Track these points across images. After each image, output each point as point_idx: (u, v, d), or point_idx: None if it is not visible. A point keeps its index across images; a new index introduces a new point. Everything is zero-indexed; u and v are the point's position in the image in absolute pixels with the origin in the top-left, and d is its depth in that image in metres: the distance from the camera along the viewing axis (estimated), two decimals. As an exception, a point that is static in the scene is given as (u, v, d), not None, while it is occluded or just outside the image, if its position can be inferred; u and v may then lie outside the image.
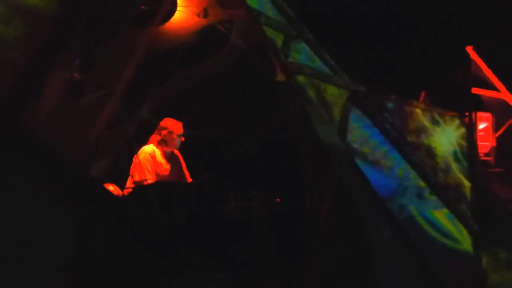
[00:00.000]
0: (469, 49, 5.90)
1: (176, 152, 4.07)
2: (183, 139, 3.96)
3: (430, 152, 4.98)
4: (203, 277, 2.30)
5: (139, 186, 3.22)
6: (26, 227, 1.99)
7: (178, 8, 3.88)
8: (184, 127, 4.03)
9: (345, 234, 3.40)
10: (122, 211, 2.23)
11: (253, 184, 3.49)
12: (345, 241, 3.35)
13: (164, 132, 3.93)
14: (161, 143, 3.94)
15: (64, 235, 2.07)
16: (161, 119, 4.11)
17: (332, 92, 4.33)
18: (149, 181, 3.64)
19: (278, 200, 3.39)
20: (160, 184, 3.51)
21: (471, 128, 5.52)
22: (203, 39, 4.07)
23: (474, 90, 6.02)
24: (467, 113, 5.58)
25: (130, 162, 3.92)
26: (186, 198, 3.02)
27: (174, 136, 3.91)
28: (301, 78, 4.09)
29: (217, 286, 2.33)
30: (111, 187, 3.62)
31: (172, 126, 3.94)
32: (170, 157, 4.01)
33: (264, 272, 2.72)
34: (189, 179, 4.03)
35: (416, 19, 5.90)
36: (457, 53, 5.79)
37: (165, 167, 3.94)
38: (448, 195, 4.71)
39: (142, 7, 3.78)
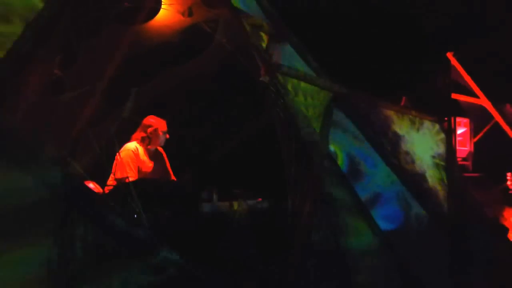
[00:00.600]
0: (449, 55, 6.03)
1: (160, 149, 4.05)
2: (167, 136, 3.95)
3: (409, 156, 5.05)
4: (184, 275, 2.28)
5: (120, 184, 3.19)
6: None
7: (162, 6, 3.86)
8: (168, 125, 4.01)
9: (325, 234, 3.42)
10: (102, 208, 2.20)
11: (235, 183, 3.49)
12: (324, 242, 3.36)
13: (149, 130, 3.91)
14: (145, 141, 3.92)
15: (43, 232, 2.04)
16: (144, 118, 4.08)
17: (315, 94, 4.36)
18: (131, 179, 3.60)
19: (260, 199, 3.40)
20: (142, 182, 3.48)
21: (450, 133, 5.62)
22: (187, 38, 4.05)
23: (454, 96, 6.16)
24: (446, 118, 5.68)
25: (112, 160, 3.87)
26: (168, 197, 3.00)
27: (159, 133, 3.90)
28: (284, 79, 4.11)
29: (198, 284, 2.32)
30: (91, 185, 3.56)
31: (157, 123, 3.93)
32: (153, 155, 3.98)
33: (244, 270, 2.71)
34: (173, 177, 4.01)
35: (397, 24, 6.00)
36: (437, 59, 5.91)
37: (148, 164, 3.91)
38: (426, 199, 4.79)
39: (126, 3, 3.74)
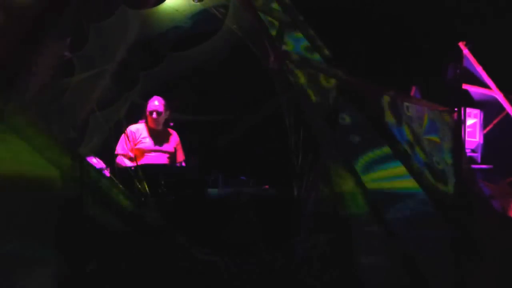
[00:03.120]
0: (461, 44, 5.94)
1: (171, 131, 4.10)
2: (155, 116, 3.96)
3: (421, 147, 5.02)
4: (189, 259, 2.32)
5: (129, 170, 3.22)
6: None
7: (172, -10, 3.84)
8: (175, 111, 4.02)
9: (331, 223, 3.44)
10: (111, 190, 2.24)
11: (242, 170, 3.51)
12: (330, 231, 3.38)
13: (150, 111, 3.98)
14: (147, 121, 4.01)
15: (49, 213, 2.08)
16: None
17: (325, 82, 4.34)
18: (122, 155, 3.74)
19: (266, 186, 3.42)
20: (150, 166, 3.52)
21: (459, 123, 5.57)
22: (197, 23, 4.04)
23: (464, 86, 6.08)
24: (456, 109, 5.63)
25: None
26: (175, 181, 3.03)
27: (150, 111, 3.95)
28: (294, 67, 4.09)
29: (202, 267, 2.36)
30: (94, 160, 3.63)
31: (158, 104, 3.98)
32: (160, 135, 4.03)
33: (248, 256, 2.75)
34: (181, 157, 4.05)
35: (408, 12, 5.92)
36: (448, 48, 5.83)
37: (148, 143, 3.97)
38: (434, 189, 4.77)
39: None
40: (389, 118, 4.80)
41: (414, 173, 4.64)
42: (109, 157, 3.93)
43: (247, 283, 2.67)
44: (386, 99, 4.82)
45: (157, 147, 3.94)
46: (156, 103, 3.97)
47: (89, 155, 3.76)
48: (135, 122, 4.09)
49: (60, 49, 4.14)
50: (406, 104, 5.08)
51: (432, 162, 5.01)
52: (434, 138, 5.37)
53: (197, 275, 2.40)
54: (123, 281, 2.21)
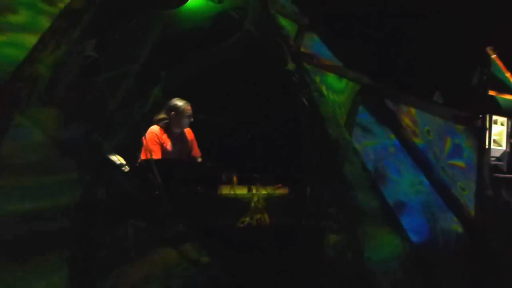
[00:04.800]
0: (489, 49, 5.80)
1: (188, 131, 4.11)
2: (192, 119, 4.00)
3: (437, 153, 4.95)
4: (198, 251, 2.37)
5: (144, 164, 3.31)
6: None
7: (193, -7, 3.94)
8: (193, 110, 4.08)
9: (343, 224, 3.44)
10: (125, 182, 2.33)
11: (256, 168, 3.55)
12: (342, 231, 3.38)
13: (173, 113, 3.96)
14: (169, 123, 3.98)
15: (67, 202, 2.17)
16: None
17: (342, 85, 4.35)
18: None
19: (280, 185, 3.44)
20: (164, 161, 3.60)
21: (483, 131, 5.45)
22: (217, 24, 4.11)
23: (492, 93, 5.93)
24: (480, 115, 5.51)
25: (139, 142, 4.00)
26: (189, 176, 3.09)
27: (182, 116, 3.94)
28: (311, 68, 4.12)
29: (212, 263, 2.40)
30: (114, 157, 3.70)
31: (181, 106, 3.98)
32: (178, 137, 4.06)
33: (259, 255, 2.78)
34: (197, 154, 4.07)
35: (435, 16, 5.83)
36: (476, 53, 5.70)
37: (171, 147, 4.00)
38: (451, 196, 4.69)
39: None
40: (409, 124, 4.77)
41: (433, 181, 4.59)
42: (130, 154, 4.01)
43: (257, 281, 2.70)
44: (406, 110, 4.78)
45: (178, 148, 3.99)
46: (190, 108, 3.96)
47: (111, 152, 3.83)
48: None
49: (87, 49, 4.30)
50: (427, 128, 5.01)
51: (456, 187, 4.91)
52: (459, 163, 5.26)
53: (208, 271, 2.45)
54: (133, 274, 2.27)
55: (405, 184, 4.32)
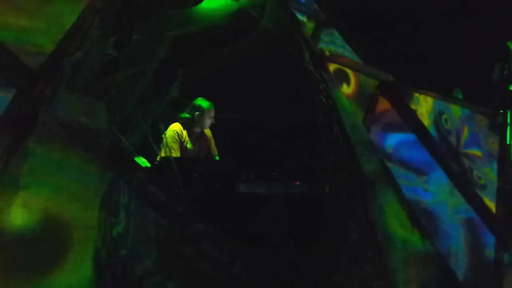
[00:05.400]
0: (510, 44, 5.68)
1: (206, 130, 4.13)
2: (209, 123, 4.03)
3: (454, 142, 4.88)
4: (217, 248, 2.39)
5: (163, 161, 3.34)
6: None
7: (211, -10, 3.94)
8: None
9: (362, 223, 3.42)
10: (145, 180, 2.36)
11: (274, 165, 3.55)
12: (361, 229, 3.37)
13: (196, 112, 3.98)
14: (191, 122, 4.00)
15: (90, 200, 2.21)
16: (191, 99, 4.18)
17: (361, 81, 4.31)
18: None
19: (297, 183, 3.44)
20: (183, 159, 3.62)
21: (504, 126, 5.36)
22: (234, 22, 4.12)
23: (512, 88, 5.81)
24: (501, 111, 5.42)
25: (158, 139, 4.04)
26: (207, 174, 3.11)
27: (206, 117, 3.96)
28: (329, 65, 4.10)
29: (229, 257, 2.42)
30: (140, 159, 3.74)
31: (206, 107, 3.99)
32: (198, 136, 4.08)
33: (276, 252, 2.79)
34: (215, 152, 4.09)
35: (455, 10, 5.73)
36: (496, 48, 5.59)
37: (191, 146, 4.03)
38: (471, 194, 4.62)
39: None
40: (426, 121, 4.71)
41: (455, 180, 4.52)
42: (149, 151, 4.05)
43: (276, 279, 2.72)
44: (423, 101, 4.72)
45: (197, 147, 4.01)
46: (213, 110, 3.99)
47: (130, 150, 3.85)
48: (173, 119, 4.18)
49: (106, 47, 4.35)
50: (445, 116, 4.94)
51: (473, 176, 4.84)
52: (475, 151, 5.18)
53: (228, 269, 2.47)
54: (155, 272, 2.31)
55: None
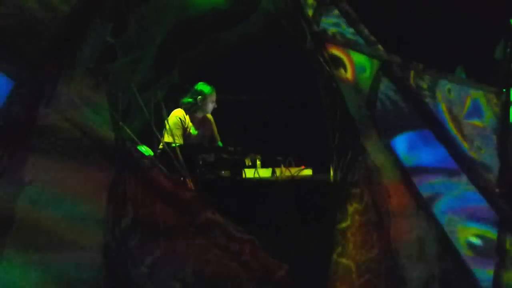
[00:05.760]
0: (512, 22, 5.60)
1: (208, 116, 4.11)
2: (215, 105, 4.00)
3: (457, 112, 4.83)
4: (225, 236, 2.38)
5: (168, 148, 3.31)
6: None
7: (209, -27, 3.85)
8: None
9: (369, 205, 3.41)
10: (151, 170, 2.33)
11: (279, 150, 3.53)
12: (367, 212, 3.36)
13: (198, 97, 3.96)
14: (193, 107, 3.98)
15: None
16: (192, 84, 4.14)
17: (363, 62, 4.25)
18: (177, 144, 3.73)
19: (303, 167, 3.42)
20: (188, 147, 3.60)
21: (507, 105, 5.32)
22: (233, 4, 4.04)
23: (517, 66, 5.75)
24: (504, 90, 5.37)
25: (160, 125, 4.00)
26: (213, 162, 3.09)
27: (208, 101, 3.94)
28: (331, 47, 4.02)
29: (237, 245, 2.41)
30: (143, 148, 3.71)
31: (208, 91, 3.96)
32: (200, 121, 4.07)
33: (284, 237, 2.79)
34: (217, 138, 4.07)
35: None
36: (499, 26, 5.52)
37: (194, 131, 4.01)
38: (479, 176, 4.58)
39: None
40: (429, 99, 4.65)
41: (457, 158, 4.48)
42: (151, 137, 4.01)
43: (282, 264, 2.71)
44: (426, 79, 4.67)
45: (200, 132, 4.00)
46: (215, 94, 3.95)
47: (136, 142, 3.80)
48: (175, 105, 4.14)
49: (103, 35, 4.27)
50: (448, 86, 4.90)
51: (473, 147, 4.81)
52: (477, 122, 5.14)
53: (238, 257, 2.46)
54: (165, 262, 2.29)
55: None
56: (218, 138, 4.12)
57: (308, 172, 3.40)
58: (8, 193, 2.06)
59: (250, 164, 3.18)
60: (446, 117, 4.71)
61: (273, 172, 3.22)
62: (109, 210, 2.13)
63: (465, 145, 4.71)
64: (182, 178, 2.61)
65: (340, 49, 4.07)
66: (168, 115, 4.03)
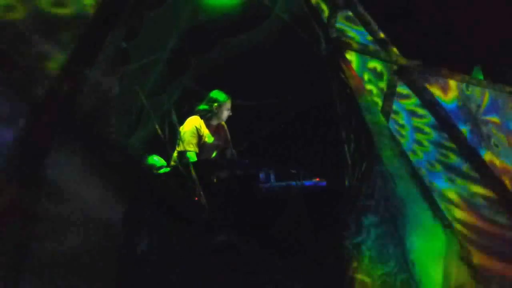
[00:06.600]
0: (533, 18, 5.45)
1: (223, 123, 4.09)
2: (230, 112, 3.98)
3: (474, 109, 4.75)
4: (241, 258, 2.37)
5: (180, 163, 3.29)
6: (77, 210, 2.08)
7: (222, -21, 3.80)
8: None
9: (384, 216, 3.36)
10: (164, 193, 2.31)
11: (292, 162, 3.49)
12: (383, 224, 3.31)
13: (213, 104, 3.93)
14: (208, 115, 3.96)
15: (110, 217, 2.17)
16: (205, 89, 4.11)
17: (379, 67, 4.18)
18: (192, 153, 3.73)
19: (317, 179, 3.38)
20: (201, 163, 3.57)
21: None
22: (247, 9, 3.98)
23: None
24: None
25: (172, 130, 3.98)
26: (226, 179, 3.06)
27: (224, 109, 3.91)
28: (347, 53, 3.95)
29: (254, 266, 2.40)
30: (155, 158, 3.71)
31: (222, 99, 3.94)
32: (215, 129, 4.05)
33: (299, 253, 2.76)
34: (231, 148, 4.05)
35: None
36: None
37: (209, 139, 3.99)
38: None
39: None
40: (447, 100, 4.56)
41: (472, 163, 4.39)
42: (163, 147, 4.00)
43: (295, 278, 2.69)
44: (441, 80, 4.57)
45: (215, 142, 3.98)
46: (230, 102, 3.93)
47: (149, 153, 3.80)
48: (187, 111, 4.12)
49: (118, 39, 4.26)
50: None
51: (491, 144, 4.71)
52: (494, 118, 5.04)
53: (245, 271, 2.44)
54: (172, 273, 2.28)
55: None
56: (231, 145, 4.11)
57: (322, 184, 3.36)
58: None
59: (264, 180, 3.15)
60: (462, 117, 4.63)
61: (288, 185, 3.19)
62: (125, 236, 2.12)
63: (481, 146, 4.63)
64: (195, 199, 2.59)
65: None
66: (181, 120, 4.02)
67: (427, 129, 4.01)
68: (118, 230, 2.03)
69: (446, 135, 3.97)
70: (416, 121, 4.03)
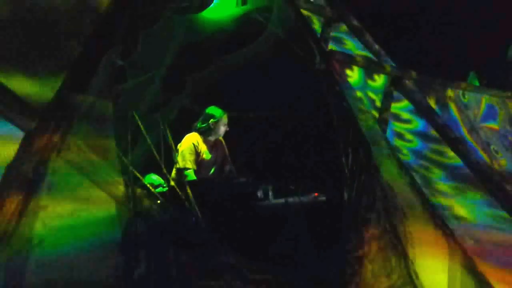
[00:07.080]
0: (526, 23, 5.49)
1: (220, 138, 4.11)
2: (227, 128, 4.00)
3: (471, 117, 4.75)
4: (241, 280, 2.34)
5: (179, 181, 3.29)
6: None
7: (216, -5, 3.83)
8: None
9: (385, 228, 3.34)
10: (162, 216, 2.30)
11: (291, 178, 3.48)
12: (385, 236, 3.29)
13: (211, 121, 3.95)
14: (206, 131, 3.99)
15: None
16: (201, 106, 4.13)
17: (375, 80, 4.19)
18: (191, 171, 3.73)
19: (316, 194, 3.37)
20: (199, 182, 3.57)
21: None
22: (241, 26, 4.01)
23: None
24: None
25: (169, 148, 3.98)
26: (224, 198, 3.06)
27: (220, 125, 3.94)
28: (341, 65, 3.96)
29: (255, 285, 2.37)
30: (154, 177, 3.71)
31: (219, 115, 3.96)
32: (213, 144, 4.06)
33: (299, 269, 2.74)
34: (229, 163, 4.05)
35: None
36: (509, 30, 5.44)
37: (207, 155, 4.00)
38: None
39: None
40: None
41: (470, 165, 4.37)
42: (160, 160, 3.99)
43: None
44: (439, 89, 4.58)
45: (213, 156, 3.99)
46: (226, 117, 3.94)
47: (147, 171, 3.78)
48: (184, 128, 4.13)
49: (114, 56, 4.27)
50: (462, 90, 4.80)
51: (490, 151, 4.70)
52: (492, 125, 5.04)
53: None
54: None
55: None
56: (229, 160, 4.11)
57: (321, 198, 3.35)
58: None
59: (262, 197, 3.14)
60: (460, 125, 4.63)
61: (286, 202, 3.17)
62: (122, 262, 2.11)
63: (481, 153, 4.62)
64: (193, 220, 2.58)
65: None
66: (178, 138, 4.02)
67: (408, 136, 3.97)
68: (116, 253, 2.03)
69: (432, 147, 3.95)
70: (398, 126, 4.00)
